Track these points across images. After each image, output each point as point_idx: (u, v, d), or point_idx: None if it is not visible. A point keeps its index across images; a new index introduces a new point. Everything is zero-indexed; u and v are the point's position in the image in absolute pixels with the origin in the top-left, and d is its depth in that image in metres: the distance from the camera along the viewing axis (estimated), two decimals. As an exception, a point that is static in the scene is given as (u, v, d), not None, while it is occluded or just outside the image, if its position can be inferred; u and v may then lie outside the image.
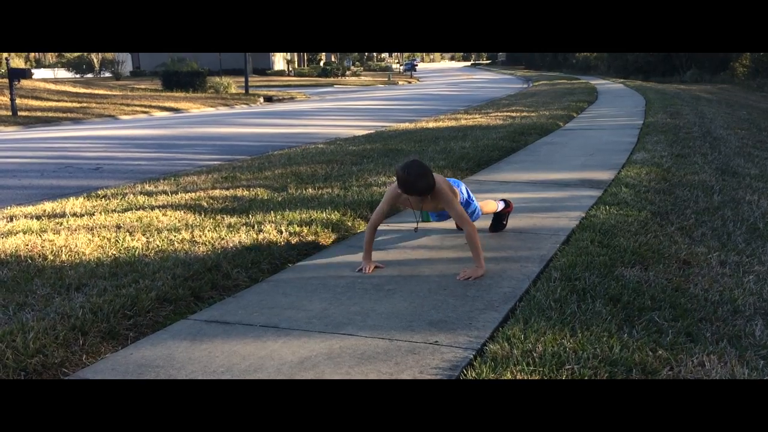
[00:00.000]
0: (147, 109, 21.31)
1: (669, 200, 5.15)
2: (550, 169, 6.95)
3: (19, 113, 18.20)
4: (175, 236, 4.30)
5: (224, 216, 4.85)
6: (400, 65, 78.29)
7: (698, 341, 2.66)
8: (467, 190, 4.14)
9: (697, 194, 5.38)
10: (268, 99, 27.43)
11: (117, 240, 4.26)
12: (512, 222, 4.66)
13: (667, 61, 39.43)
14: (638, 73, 39.61)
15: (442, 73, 68.89)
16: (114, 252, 4.01)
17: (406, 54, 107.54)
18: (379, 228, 4.44)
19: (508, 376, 2.36)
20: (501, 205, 4.44)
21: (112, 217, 4.99)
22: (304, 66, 61.93)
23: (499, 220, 4.47)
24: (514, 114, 13.66)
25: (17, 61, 41.33)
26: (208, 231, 4.40)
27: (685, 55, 37.92)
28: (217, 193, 5.87)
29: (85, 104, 21.85)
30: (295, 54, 62.26)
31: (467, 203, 4.07)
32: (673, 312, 2.94)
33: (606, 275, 3.36)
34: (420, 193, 3.60)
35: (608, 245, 3.87)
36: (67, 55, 55.14)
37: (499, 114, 13.94)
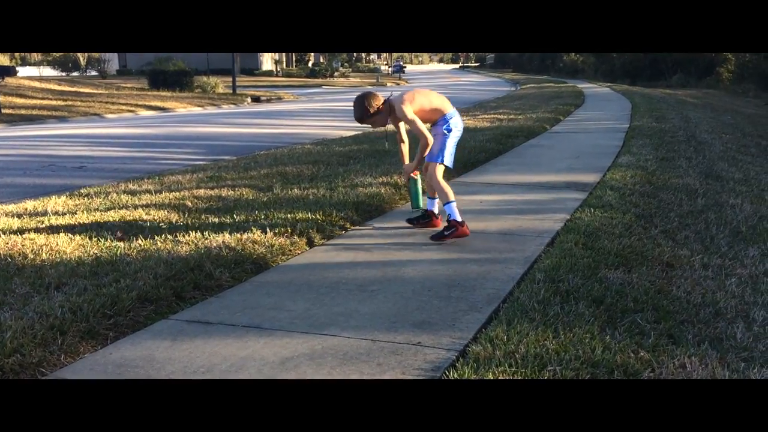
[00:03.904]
0: (133, 108, 21.16)
1: (653, 203, 5.18)
2: (536, 171, 6.96)
3: (3, 111, 18.00)
4: (157, 236, 4.25)
5: (208, 216, 4.81)
6: (389, 67, 78.38)
7: (680, 343, 2.67)
8: (454, 127, 4.33)
9: (681, 197, 5.41)
10: (256, 99, 27.32)
11: (99, 239, 4.21)
12: (497, 224, 4.66)
13: (654, 66, 39.76)
14: (625, 77, 39.90)
15: (431, 75, 69.03)
16: (95, 251, 3.97)
17: (394, 56, 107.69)
18: (366, 229, 4.50)
19: (491, 377, 2.35)
20: (434, 208, 4.56)
21: (94, 216, 4.93)
22: (292, 66, 61.76)
23: (442, 233, 4.23)
24: (501, 116, 13.70)
25: (2, 59, 40.93)
26: (192, 230, 4.36)
27: (672, 60, 38.25)
28: (201, 192, 5.83)
29: (70, 102, 21.65)
30: (284, 54, 62.10)
31: (445, 129, 4.30)
32: (656, 314, 2.95)
33: (589, 277, 3.37)
34: (357, 119, 4.34)
35: (592, 247, 3.88)
36: (53, 53, 54.65)
37: (486, 116, 13.96)
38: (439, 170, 4.26)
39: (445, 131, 4.28)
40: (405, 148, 4.58)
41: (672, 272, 3.56)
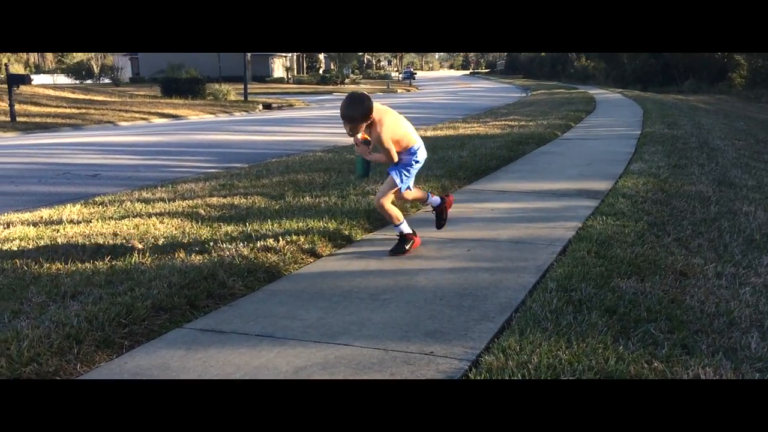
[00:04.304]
0: (146, 116, 21.34)
1: (666, 211, 5.16)
2: (547, 178, 6.96)
3: (18, 119, 18.21)
4: (171, 244, 4.28)
5: (221, 224, 4.85)
6: (399, 73, 78.54)
7: (694, 354, 2.65)
8: (420, 159, 4.28)
9: (694, 205, 5.39)
10: (267, 106, 27.48)
11: (113, 247, 4.25)
12: (509, 232, 4.66)
13: (665, 71, 39.59)
14: (636, 83, 39.76)
15: (441, 81, 69.12)
16: (110, 260, 4.00)
17: (405, 62, 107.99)
18: (378, 237, 4.51)
19: (503, 387, 2.35)
20: (436, 199, 4.53)
21: (109, 224, 4.98)
22: (303, 73, 62.06)
23: (440, 215, 4.55)
24: (512, 123, 13.70)
25: (17, 67, 41.40)
26: (205, 239, 4.39)
27: (683, 65, 38.07)
28: (214, 200, 5.87)
29: (84, 110, 21.87)
30: (294, 61, 62.42)
31: (413, 160, 4.24)
32: (669, 324, 2.93)
33: (602, 286, 3.36)
34: (343, 118, 3.99)
35: (605, 256, 3.87)
36: (67, 61, 55.24)
37: (497, 123, 13.97)
38: (392, 196, 4.25)
39: (414, 161, 4.25)
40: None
41: (685, 281, 3.54)
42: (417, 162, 4.27)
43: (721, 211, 5.26)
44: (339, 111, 4.01)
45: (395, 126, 4.14)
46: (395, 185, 4.21)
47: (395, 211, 4.25)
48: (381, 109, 4.09)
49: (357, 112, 3.96)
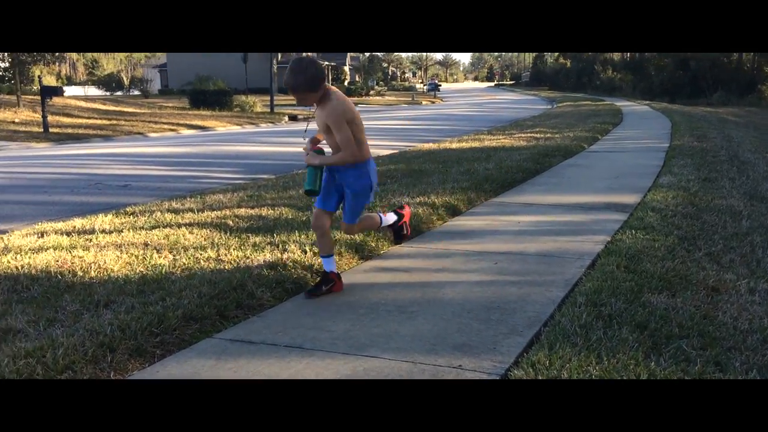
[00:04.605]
0: (175, 127, 21.66)
1: (696, 225, 5.09)
2: (574, 191, 6.91)
3: (51, 130, 18.62)
4: (201, 254, 4.34)
5: (249, 235, 4.90)
6: (424, 85, 78.82)
7: (727, 371, 2.62)
8: (374, 180, 3.79)
9: (725, 219, 5.31)
10: (293, 117, 27.72)
11: (145, 257, 4.32)
12: (537, 245, 4.64)
13: (693, 83, 39.17)
14: (664, 95, 39.36)
15: (466, 93, 69.09)
16: (142, 269, 4.07)
17: (429, 73, 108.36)
18: (404, 249, 4.51)
19: (533, 402, 2.34)
20: (391, 217, 4.37)
21: (140, 234, 5.06)
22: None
23: (397, 233, 4.45)
24: (538, 135, 13.64)
25: (49, 79, 42.37)
26: (234, 250, 4.44)
27: (712, 77, 37.64)
28: (242, 211, 5.93)
29: (114, 122, 22.28)
30: (320, 73, 62.78)
31: (371, 186, 3.76)
32: (702, 340, 2.90)
33: (632, 301, 3.33)
34: (286, 86, 3.49)
35: (634, 270, 3.83)
36: (98, 73, 56.41)
37: (523, 135, 13.92)
38: (364, 211, 3.94)
39: (372, 181, 3.76)
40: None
41: (717, 297, 3.49)
42: (374, 189, 3.77)
43: (753, 225, 5.17)
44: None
45: (350, 108, 3.62)
46: (364, 202, 3.79)
47: (368, 218, 4.09)
48: (335, 90, 3.66)
49: (300, 79, 3.41)
